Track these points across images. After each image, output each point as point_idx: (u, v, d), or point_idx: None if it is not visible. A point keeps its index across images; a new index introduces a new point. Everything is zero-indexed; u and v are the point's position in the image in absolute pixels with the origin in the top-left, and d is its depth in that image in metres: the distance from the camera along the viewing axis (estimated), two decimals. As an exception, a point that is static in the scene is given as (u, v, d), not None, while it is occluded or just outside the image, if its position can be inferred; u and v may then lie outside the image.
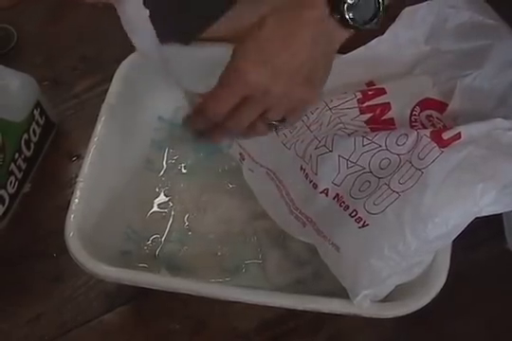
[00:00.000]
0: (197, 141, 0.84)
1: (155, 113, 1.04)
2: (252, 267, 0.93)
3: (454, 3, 0.87)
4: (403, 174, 0.76)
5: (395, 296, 0.78)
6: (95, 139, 0.89)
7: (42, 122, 1.09)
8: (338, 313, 0.79)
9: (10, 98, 1.02)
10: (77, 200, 0.85)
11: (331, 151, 0.82)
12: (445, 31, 0.87)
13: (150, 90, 0.98)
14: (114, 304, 0.96)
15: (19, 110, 1.03)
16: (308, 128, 0.85)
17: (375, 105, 0.84)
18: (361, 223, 0.77)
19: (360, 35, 0.73)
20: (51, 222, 1.00)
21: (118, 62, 0.96)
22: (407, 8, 0.85)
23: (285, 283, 0.91)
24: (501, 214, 0.81)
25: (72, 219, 0.83)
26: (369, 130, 0.82)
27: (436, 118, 0.82)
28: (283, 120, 0.76)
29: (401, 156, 0.77)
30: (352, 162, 0.80)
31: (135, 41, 0.78)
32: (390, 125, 0.82)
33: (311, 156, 0.83)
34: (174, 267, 0.93)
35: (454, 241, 0.77)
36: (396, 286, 0.77)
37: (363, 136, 0.80)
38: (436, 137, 0.75)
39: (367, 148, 0.80)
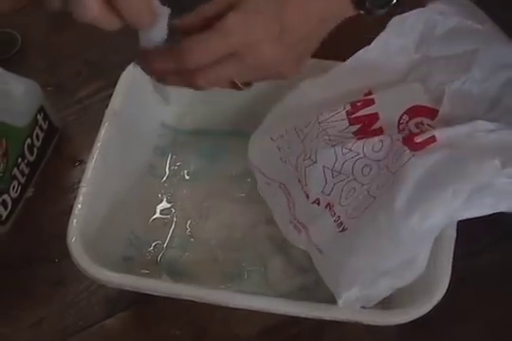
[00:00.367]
0: (151, 81, 0.76)
1: (158, 119, 1.04)
2: (254, 273, 0.93)
3: (443, 9, 0.88)
4: (381, 179, 0.77)
5: (397, 304, 0.79)
6: (98, 145, 0.89)
7: (45, 127, 1.09)
8: (340, 320, 0.79)
9: (14, 103, 1.02)
10: (79, 205, 0.85)
11: (315, 162, 0.83)
12: (434, 38, 0.88)
13: (153, 96, 0.98)
14: (115, 309, 0.97)
15: (22, 115, 1.04)
16: (302, 142, 0.86)
17: (364, 116, 0.85)
18: (341, 227, 0.79)
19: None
20: (54, 226, 1.00)
21: (122, 67, 0.96)
22: (396, 17, 0.86)
23: (288, 290, 0.91)
24: (502, 218, 0.80)
25: (75, 224, 0.83)
26: (356, 140, 0.83)
27: (427, 125, 0.83)
28: (247, 84, 0.73)
29: (379, 162, 0.79)
30: (336, 171, 0.82)
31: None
32: (379, 135, 0.83)
33: (301, 168, 0.85)
34: (176, 273, 0.93)
35: (455, 247, 0.78)
36: (397, 293, 0.77)
37: (342, 146, 0.81)
38: (408, 141, 0.76)
39: (347, 156, 0.81)
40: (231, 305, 0.79)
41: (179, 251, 0.95)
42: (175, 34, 0.72)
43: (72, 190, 1.06)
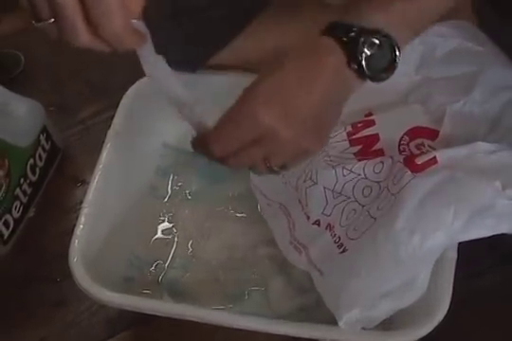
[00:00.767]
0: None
1: (160, 139, 1.04)
2: (255, 294, 0.93)
3: (444, 31, 0.88)
4: (381, 200, 0.77)
5: (398, 325, 0.78)
6: (100, 165, 0.90)
7: (47, 147, 1.09)
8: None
9: (17, 123, 1.02)
10: (81, 225, 0.85)
11: (316, 183, 0.84)
12: (434, 59, 0.88)
13: (155, 117, 0.99)
14: (116, 329, 0.96)
15: (25, 135, 1.04)
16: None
17: (364, 137, 0.85)
18: (342, 248, 0.79)
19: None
20: (55, 246, 1.01)
21: (124, 88, 0.96)
22: None
23: (288, 310, 0.90)
24: (503, 240, 0.80)
25: (76, 244, 0.83)
26: (356, 161, 0.83)
27: (428, 146, 0.83)
28: (282, 166, 0.75)
29: (380, 183, 0.79)
30: (337, 192, 0.82)
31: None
32: (379, 156, 0.83)
33: (301, 189, 0.85)
34: (177, 293, 0.93)
35: (457, 268, 0.78)
36: (398, 314, 0.77)
37: (343, 167, 0.82)
38: (409, 162, 0.76)
39: (348, 178, 0.82)
40: (232, 326, 0.79)
41: (180, 271, 0.95)
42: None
43: (74, 211, 1.06)
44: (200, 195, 1.02)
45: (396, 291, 0.75)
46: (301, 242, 0.86)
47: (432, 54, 0.88)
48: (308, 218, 0.85)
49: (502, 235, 0.72)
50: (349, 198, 0.81)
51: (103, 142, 0.92)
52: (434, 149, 0.82)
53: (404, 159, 0.77)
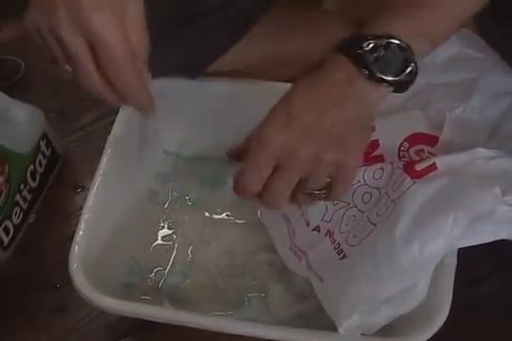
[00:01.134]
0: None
1: (160, 145, 1.04)
2: (255, 300, 0.93)
3: None
4: (381, 206, 0.77)
5: (398, 331, 0.78)
6: (100, 171, 0.90)
7: (48, 153, 1.09)
8: (340, 347, 0.79)
9: (17, 130, 1.02)
10: (81, 232, 0.85)
11: None
12: (434, 65, 0.88)
13: (155, 123, 0.99)
14: (116, 335, 0.97)
15: (25, 141, 1.04)
16: None
17: None
18: (342, 254, 0.79)
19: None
20: (55, 252, 1.01)
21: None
22: None
23: (288, 317, 0.90)
24: (503, 246, 0.80)
25: (76, 250, 0.83)
26: None
27: (427, 152, 0.83)
28: (327, 189, 0.73)
29: (380, 190, 0.79)
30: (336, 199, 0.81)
31: None
32: (379, 162, 0.83)
33: None
34: (177, 300, 0.93)
35: (457, 275, 0.78)
36: (398, 320, 0.77)
37: None
38: (409, 169, 0.76)
39: None
40: (232, 332, 0.79)
41: (180, 277, 0.95)
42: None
43: (74, 217, 1.06)
44: (200, 201, 1.02)
45: (396, 297, 0.75)
46: (301, 248, 0.86)
47: (432, 60, 0.88)
48: (308, 224, 0.85)
49: (502, 241, 0.72)
50: (349, 204, 0.81)
51: (103, 148, 0.92)
52: (434, 155, 0.82)
53: (404, 165, 0.77)
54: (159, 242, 0.98)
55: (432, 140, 0.84)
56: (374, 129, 0.85)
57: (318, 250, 0.83)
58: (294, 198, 0.72)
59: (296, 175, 0.70)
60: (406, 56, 0.69)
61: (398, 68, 0.69)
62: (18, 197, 1.03)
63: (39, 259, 1.04)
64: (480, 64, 0.88)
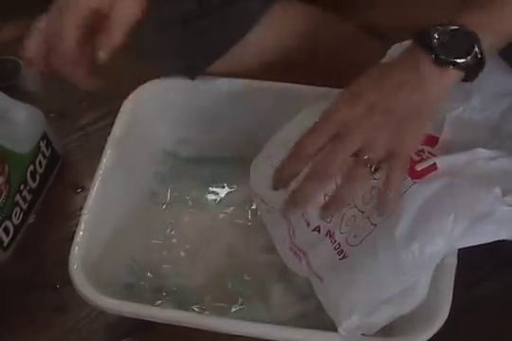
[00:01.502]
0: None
1: (159, 146, 1.04)
2: (255, 300, 0.93)
3: None
4: None
5: (398, 331, 0.78)
6: (100, 172, 0.90)
7: (48, 154, 1.09)
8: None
9: (17, 130, 1.02)
10: (81, 232, 0.85)
11: None
12: None
13: (155, 123, 0.99)
14: (116, 335, 0.97)
15: (25, 141, 1.04)
16: None
17: None
18: (342, 254, 0.79)
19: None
20: (55, 253, 1.01)
21: (124, 95, 0.96)
22: (395, 44, 0.86)
23: (288, 317, 0.90)
24: (503, 246, 0.80)
25: (76, 251, 0.83)
26: None
27: (427, 152, 0.83)
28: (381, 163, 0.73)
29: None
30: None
31: None
32: None
33: None
34: (177, 300, 0.93)
35: (456, 275, 0.78)
36: (398, 320, 0.77)
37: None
38: (409, 169, 0.76)
39: None
40: (232, 332, 0.79)
41: (180, 278, 0.95)
42: None
43: (74, 217, 1.06)
44: (200, 201, 1.02)
45: (396, 297, 0.75)
46: (301, 248, 0.86)
47: None
48: (308, 224, 0.85)
49: (502, 241, 0.73)
50: (349, 204, 0.81)
51: (103, 148, 0.92)
52: (434, 155, 0.82)
53: None
54: (159, 242, 0.98)
55: (432, 140, 0.84)
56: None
57: (318, 250, 0.83)
58: (351, 173, 0.72)
59: (351, 144, 0.71)
60: (470, 41, 0.71)
61: (463, 51, 0.71)
62: (18, 197, 1.03)
63: (39, 259, 1.04)
64: None
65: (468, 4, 0.74)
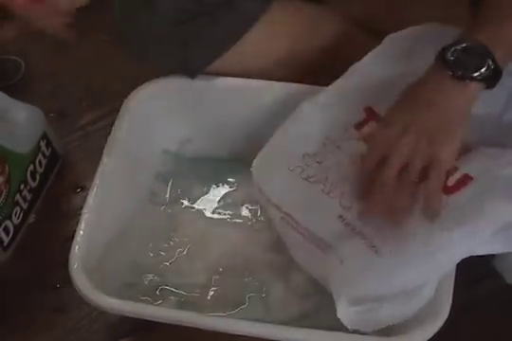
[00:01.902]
0: None
1: (160, 146, 1.04)
2: (256, 300, 0.93)
3: (436, 26, 0.88)
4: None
5: (398, 331, 0.78)
6: (100, 172, 0.90)
7: (48, 154, 1.09)
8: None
9: (17, 130, 1.02)
10: (81, 232, 0.85)
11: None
12: (425, 50, 0.88)
13: (155, 123, 0.99)
14: (117, 335, 0.97)
15: (25, 141, 1.04)
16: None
17: None
18: (374, 249, 0.78)
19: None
20: (55, 252, 1.00)
21: (124, 95, 0.96)
22: (389, 35, 0.87)
23: (289, 316, 0.90)
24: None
25: (76, 250, 0.83)
26: None
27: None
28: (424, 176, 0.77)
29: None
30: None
31: None
32: None
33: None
34: (178, 300, 0.93)
35: (457, 275, 0.78)
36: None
37: None
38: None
39: None
40: (233, 332, 0.79)
41: (181, 277, 0.95)
42: None
43: (74, 216, 1.06)
44: (200, 201, 1.02)
45: (402, 296, 0.75)
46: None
47: (423, 46, 0.88)
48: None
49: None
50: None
51: (103, 148, 0.92)
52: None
53: None
54: (160, 241, 0.98)
55: None
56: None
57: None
58: (400, 185, 0.77)
59: (400, 159, 0.76)
60: (483, 55, 0.76)
61: (478, 65, 0.75)
62: (18, 197, 1.03)
63: (39, 259, 1.04)
64: None
65: (479, 20, 0.79)
